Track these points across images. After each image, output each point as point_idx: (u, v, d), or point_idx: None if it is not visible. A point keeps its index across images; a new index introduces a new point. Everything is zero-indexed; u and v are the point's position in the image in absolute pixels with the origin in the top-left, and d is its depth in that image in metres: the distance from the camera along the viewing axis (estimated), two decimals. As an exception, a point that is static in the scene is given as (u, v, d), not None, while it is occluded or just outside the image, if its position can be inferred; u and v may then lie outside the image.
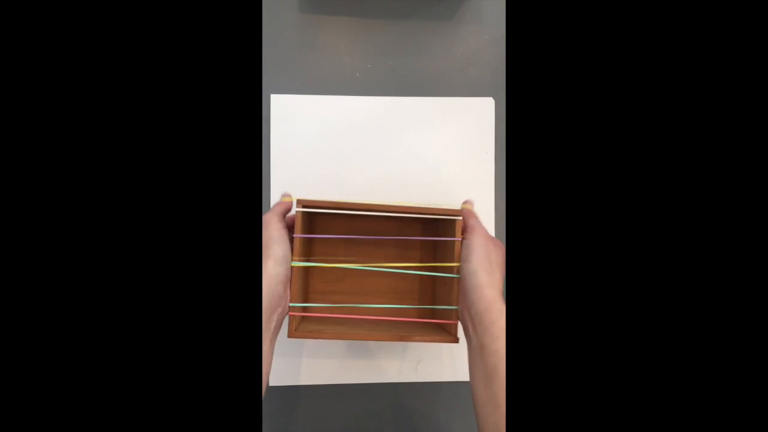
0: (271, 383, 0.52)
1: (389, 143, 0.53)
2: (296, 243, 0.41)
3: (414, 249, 0.52)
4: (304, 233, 0.42)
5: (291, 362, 0.53)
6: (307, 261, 0.46)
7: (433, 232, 0.51)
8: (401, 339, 0.43)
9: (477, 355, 0.37)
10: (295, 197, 0.44)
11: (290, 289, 0.41)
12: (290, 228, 0.43)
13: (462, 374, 0.54)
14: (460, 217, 0.43)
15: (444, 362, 0.53)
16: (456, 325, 0.43)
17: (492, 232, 0.54)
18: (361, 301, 0.50)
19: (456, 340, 0.42)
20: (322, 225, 0.51)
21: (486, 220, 0.53)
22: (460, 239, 0.43)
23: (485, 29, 0.55)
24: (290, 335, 0.41)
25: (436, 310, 0.48)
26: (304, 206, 0.41)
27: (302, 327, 0.44)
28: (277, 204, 0.45)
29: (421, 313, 0.51)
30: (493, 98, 0.54)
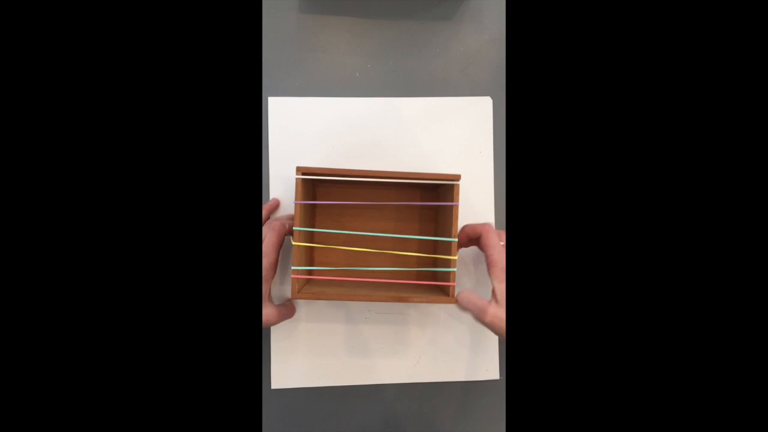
0: (272, 386, 0.52)
1: (388, 144, 0.53)
2: (297, 210, 0.42)
3: (413, 220, 0.53)
4: (304, 201, 0.43)
5: (291, 364, 0.53)
6: (310, 228, 0.48)
7: (432, 201, 0.52)
8: (400, 300, 0.44)
9: None
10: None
11: (293, 253, 0.43)
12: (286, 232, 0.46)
13: (462, 374, 0.54)
14: (459, 182, 0.43)
15: (445, 362, 0.53)
16: (453, 287, 0.44)
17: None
18: (363, 266, 0.52)
19: (453, 301, 0.43)
20: (323, 195, 0.52)
21: (485, 219, 0.53)
22: (458, 203, 0.43)
23: (485, 29, 0.55)
24: (293, 296, 0.43)
25: (437, 274, 0.48)
26: (303, 174, 0.42)
27: (305, 289, 0.45)
28: (273, 220, 0.47)
29: (421, 276, 0.52)
30: (492, 98, 0.54)
